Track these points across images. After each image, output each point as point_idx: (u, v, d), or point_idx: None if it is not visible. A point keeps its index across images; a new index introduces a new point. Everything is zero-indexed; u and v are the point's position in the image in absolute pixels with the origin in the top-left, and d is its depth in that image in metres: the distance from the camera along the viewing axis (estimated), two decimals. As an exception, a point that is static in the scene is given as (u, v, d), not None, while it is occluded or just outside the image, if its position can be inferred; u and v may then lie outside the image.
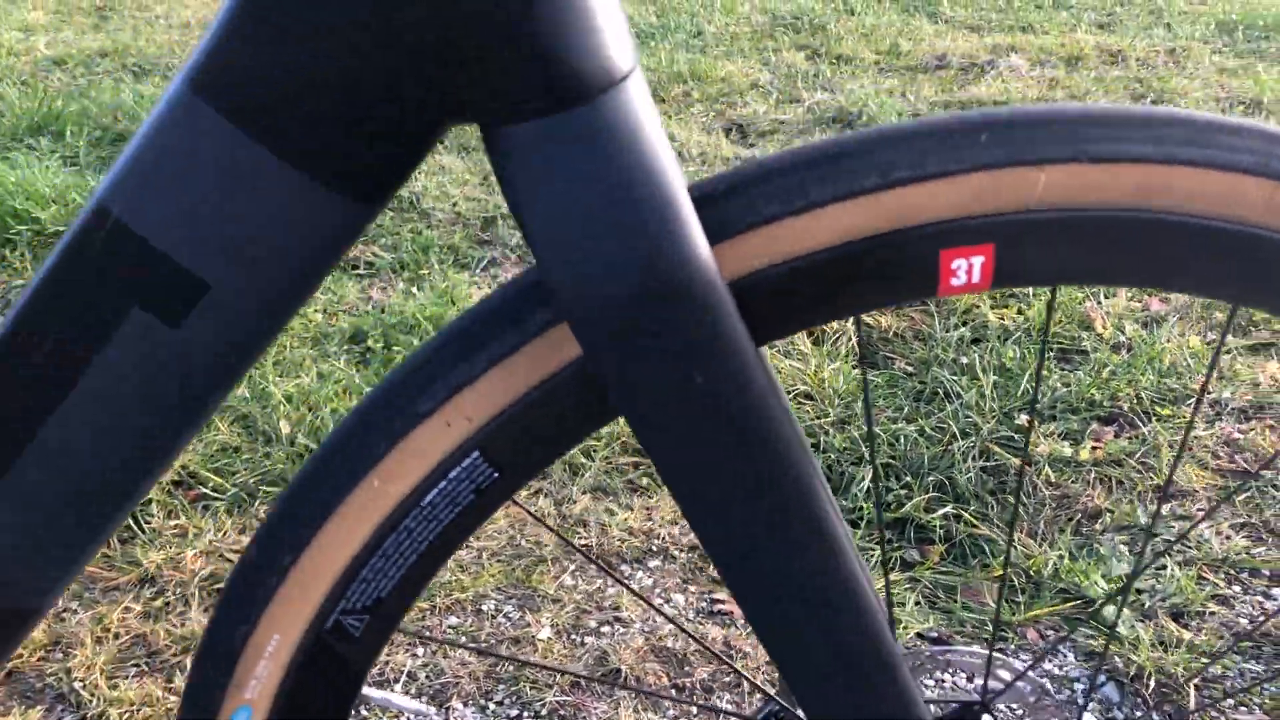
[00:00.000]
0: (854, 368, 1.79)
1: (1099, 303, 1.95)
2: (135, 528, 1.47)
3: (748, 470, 0.46)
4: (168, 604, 1.34)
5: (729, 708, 1.20)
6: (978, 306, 1.95)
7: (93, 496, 0.47)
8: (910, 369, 1.83)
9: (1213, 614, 1.28)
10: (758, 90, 3.14)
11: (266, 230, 0.44)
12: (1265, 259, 0.45)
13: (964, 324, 1.91)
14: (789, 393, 1.75)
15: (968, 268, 0.45)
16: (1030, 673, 1.20)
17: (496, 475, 0.49)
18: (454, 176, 2.59)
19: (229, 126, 0.42)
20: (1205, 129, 0.44)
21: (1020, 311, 1.94)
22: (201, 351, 0.46)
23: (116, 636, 1.29)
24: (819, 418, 1.69)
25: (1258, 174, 0.43)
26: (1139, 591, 1.31)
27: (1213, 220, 0.44)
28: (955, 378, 1.76)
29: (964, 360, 1.81)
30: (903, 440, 1.63)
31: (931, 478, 1.55)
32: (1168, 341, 1.84)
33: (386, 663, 1.27)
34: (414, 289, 2.11)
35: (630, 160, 0.43)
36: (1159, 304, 1.97)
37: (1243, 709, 1.15)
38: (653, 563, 1.43)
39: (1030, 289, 2.01)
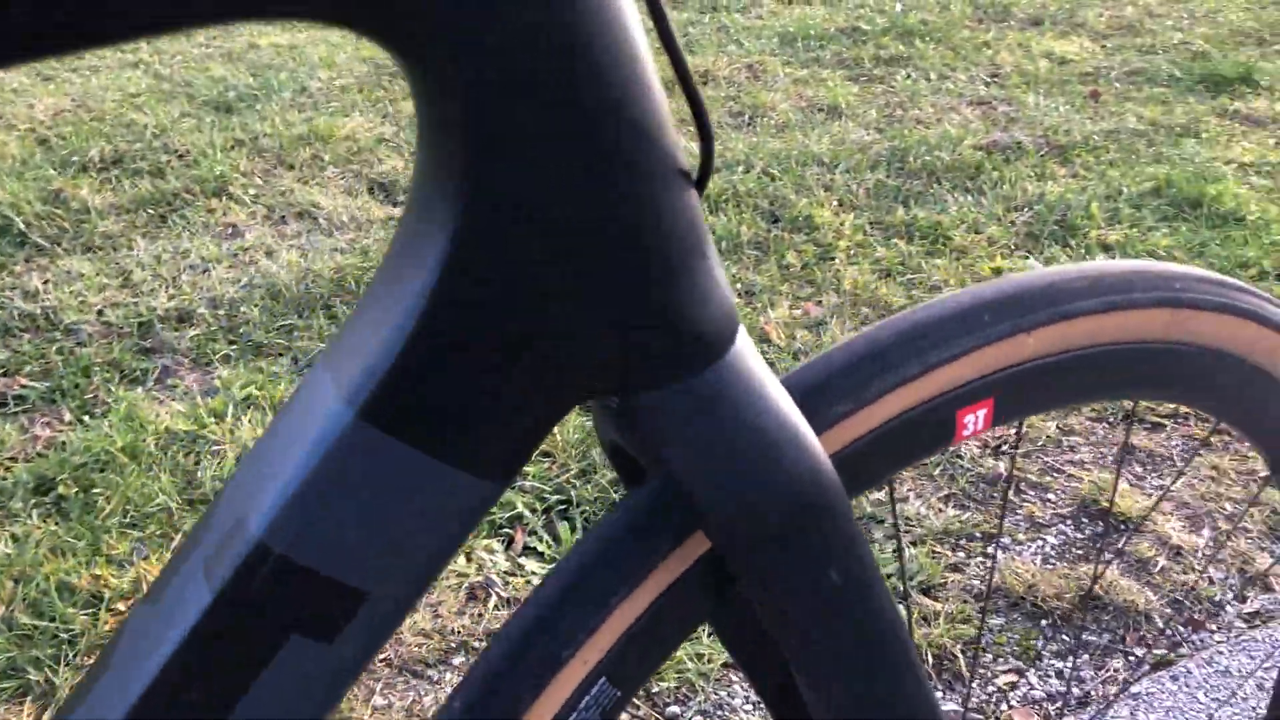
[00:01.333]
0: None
1: (770, 316, 2.16)
2: None
3: (863, 635, 0.52)
4: None
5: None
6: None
7: None
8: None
9: (953, 582, 1.49)
10: (387, 145, 3.12)
11: (423, 527, 0.43)
12: (1161, 363, 0.57)
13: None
14: (527, 454, 1.79)
15: (974, 419, 0.54)
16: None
17: (619, 694, 0.51)
18: (89, 282, 2.37)
19: (397, 444, 0.42)
20: (1122, 277, 0.56)
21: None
22: (352, 657, 0.44)
23: None
24: (562, 472, 1.75)
25: (1161, 306, 0.56)
26: (887, 576, 1.50)
27: (1130, 344, 0.56)
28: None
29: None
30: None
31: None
32: (830, 339, 2.07)
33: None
34: (84, 417, 1.92)
35: (758, 398, 0.47)
36: (815, 309, 2.21)
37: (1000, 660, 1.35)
38: None
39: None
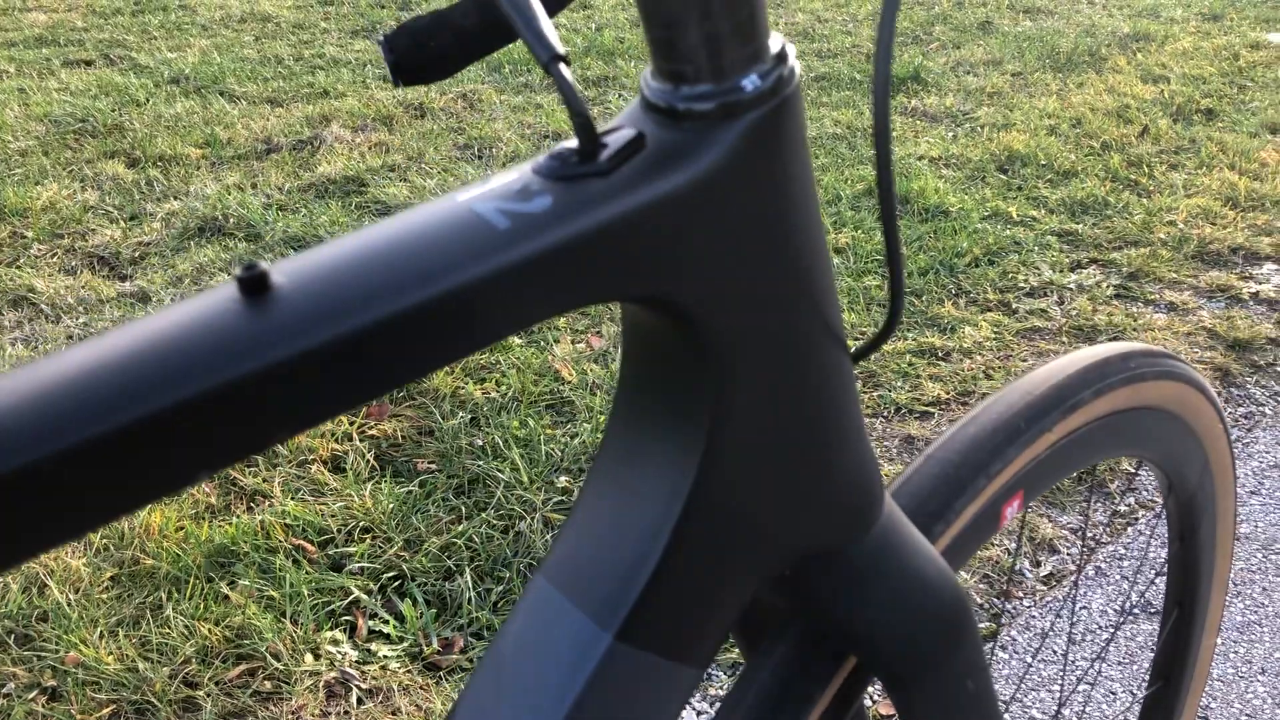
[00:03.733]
0: (419, 484, 1.84)
1: (555, 354, 2.20)
2: None
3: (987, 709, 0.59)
4: None
5: None
6: (463, 387, 2.09)
7: None
8: (434, 465, 1.92)
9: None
10: (96, 213, 2.89)
11: None
12: (1126, 426, 0.68)
13: (460, 407, 2.04)
14: (347, 532, 1.75)
15: (1011, 509, 0.62)
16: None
17: None
18: None
19: (648, 656, 0.43)
20: (1098, 366, 0.65)
21: (497, 384, 2.12)
22: None
23: None
24: (386, 546, 1.72)
25: (1128, 383, 0.66)
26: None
27: (1109, 416, 0.66)
28: (483, 463, 1.89)
29: (480, 442, 1.94)
30: (479, 540, 1.73)
31: (522, 563, 1.68)
32: (616, 368, 2.15)
33: None
34: None
35: (910, 534, 0.52)
36: (598, 340, 2.27)
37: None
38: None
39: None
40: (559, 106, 3.59)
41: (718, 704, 1.47)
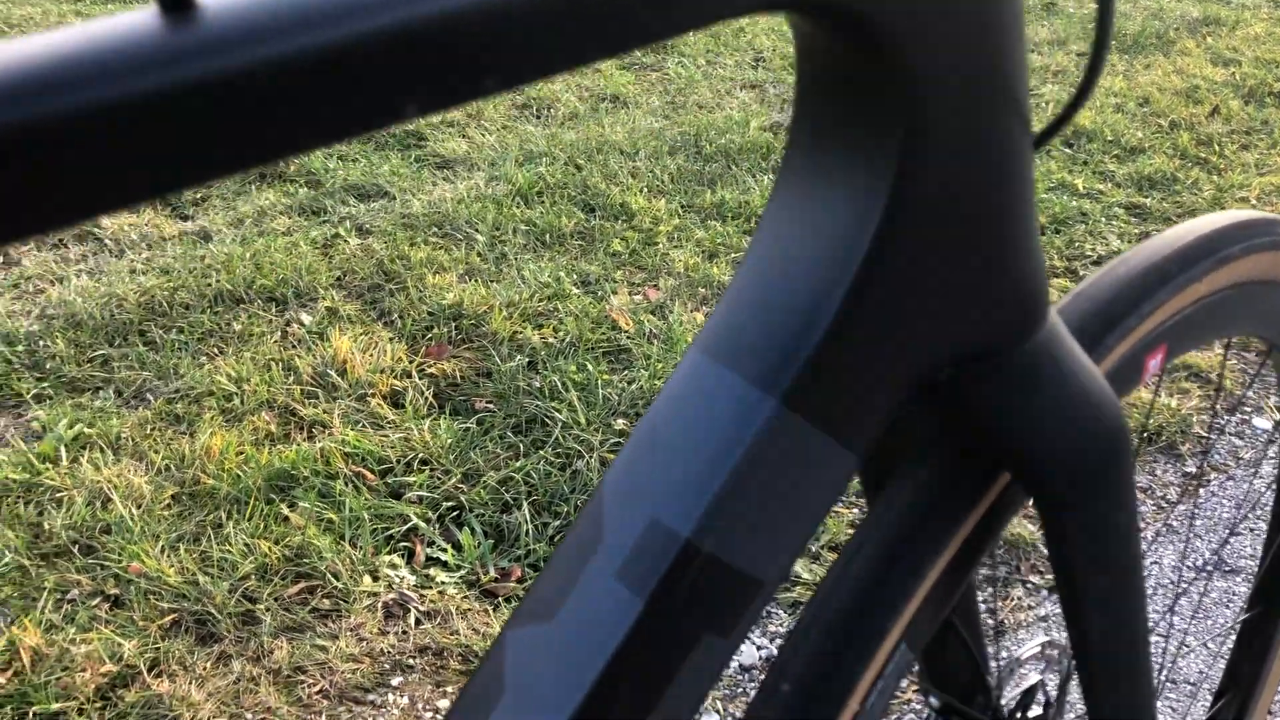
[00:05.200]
0: (476, 422, 1.84)
1: (613, 304, 2.19)
2: None
3: (1128, 571, 0.56)
4: None
5: None
6: (520, 332, 2.09)
7: None
8: (491, 405, 1.91)
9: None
10: (159, 156, 2.91)
11: (812, 509, 0.43)
12: (1267, 298, 0.66)
13: (518, 351, 2.04)
14: (405, 463, 1.75)
15: (1154, 362, 0.60)
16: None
17: (911, 656, 0.53)
18: None
19: (810, 428, 0.41)
20: (1251, 224, 0.63)
21: (554, 330, 2.11)
22: (733, 649, 0.44)
23: None
24: (445, 479, 1.72)
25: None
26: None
27: (1253, 282, 0.64)
28: (540, 403, 1.88)
29: (537, 384, 1.94)
30: (536, 476, 1.72)
31: (579, 499, 1.67)
32: (676, 322, 2.13)
33: None
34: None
35: (1073, 347, 0.50)
36: (654, 293, 2.26)
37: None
38: None
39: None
40: (617, 71, 3.58)
41: (778, 640, 1.46)
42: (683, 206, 2.61)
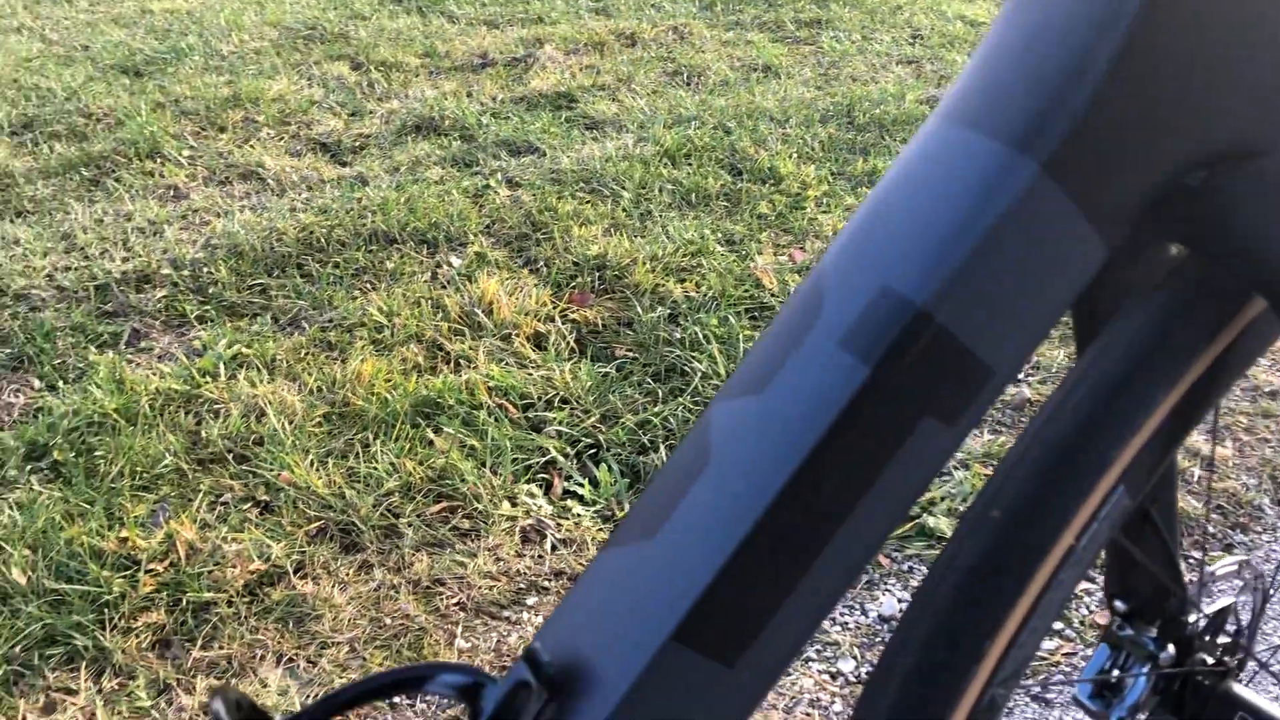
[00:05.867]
0: (616, 368, 1.85)
1: (757, 263, 2.17)
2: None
3: None
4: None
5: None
6: (663, 284, 2.08)
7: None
8: (631, 353, 1.91)
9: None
10: (320, 107, 3.01)
11: (1057, 306, 0.41)
12: None
13: (659, 303, 2.04)
14: (546, 401, 1.76)
15: None
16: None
17: (1127, 501, 0.50)
18: (30, 247, 2.21)
19: (1071, 206, 0.39)
20: None
21: (696, 284, 2.10)
22: (956, 446, 0.42)
23: None
24: (585, 418, 1.73)
25: None
26: (942, 499, 1.53)
27: None
28: (682, 353, 1.88)
29: (678, 336, 1.93)
30: (674, 421, 1.71)
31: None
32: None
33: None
34: (59, 383, 1.80)
35: None
36: (800, 254, 2.23)
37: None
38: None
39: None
40: (769, 44, 3.55)
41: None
42: (832, 174, 2.57)
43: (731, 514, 0.38)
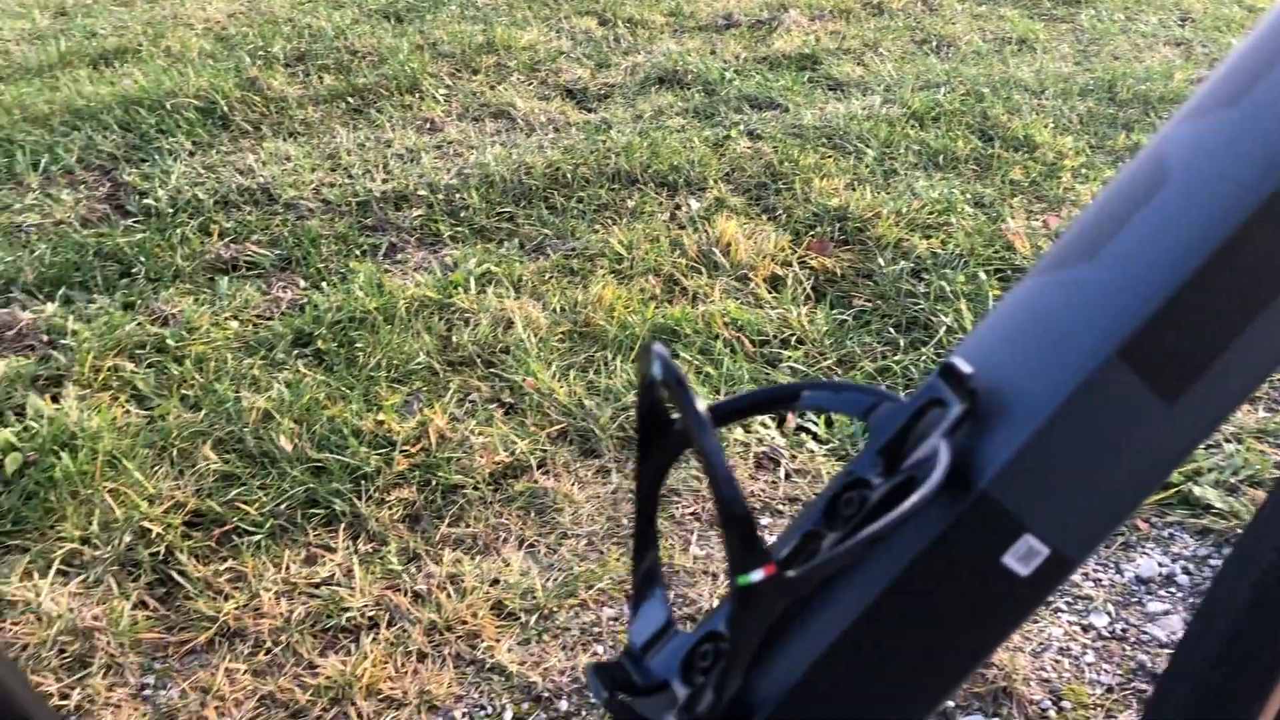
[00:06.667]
0: (854, 316, 1.82)
1: (1009, 225, 2.09)
2: (173, 581, 1.24)
3: None
4: (274, 656, 1.14)
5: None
6: (907, 239, 2.03)
7: None
8: (870, 303, 1.87)
9: None
10: (568, 58, 3.08)
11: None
12: None
13: (902, 256, 1.99)
14: (781, 340, 1.75)
15: None
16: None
17: None
18: (300, 163, 2.35)
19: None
20: None
21: (943, 241, 2.04)
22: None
23: (239, 704, 1.08)
24: (820, 360, 1.70)
25: None
26: (1210, 470, 1.43)
27: None
28: (926, 306, 1.82)
29: (921, 289, 1.88)
30: (915, 371, 1.67)
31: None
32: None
33: None
34: (322, 284, 1.90)
35: None
36: (1055, 220, 2.13)
37: None
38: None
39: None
40: (1023, 18, 3.41)
41: (1181, 560, 1.33)
42: (1091, 146, 2.44)
43: (1195, 232, 0.36)
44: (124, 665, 1.13)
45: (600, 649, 1.16)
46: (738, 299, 1.86)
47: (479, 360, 1.67)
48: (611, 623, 1.19)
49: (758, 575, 0.36)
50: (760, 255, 1.98)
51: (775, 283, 1.93)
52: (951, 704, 1.10)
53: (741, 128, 2.54)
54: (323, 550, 1.29)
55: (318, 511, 1.35)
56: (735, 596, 0.37)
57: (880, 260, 1.97)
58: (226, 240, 2.06)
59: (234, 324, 1.77)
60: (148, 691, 1.11)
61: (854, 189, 2.23)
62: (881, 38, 3.23)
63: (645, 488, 0.43)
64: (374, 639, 1.14)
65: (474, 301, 1.81)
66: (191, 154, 2.42)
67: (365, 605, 1.19)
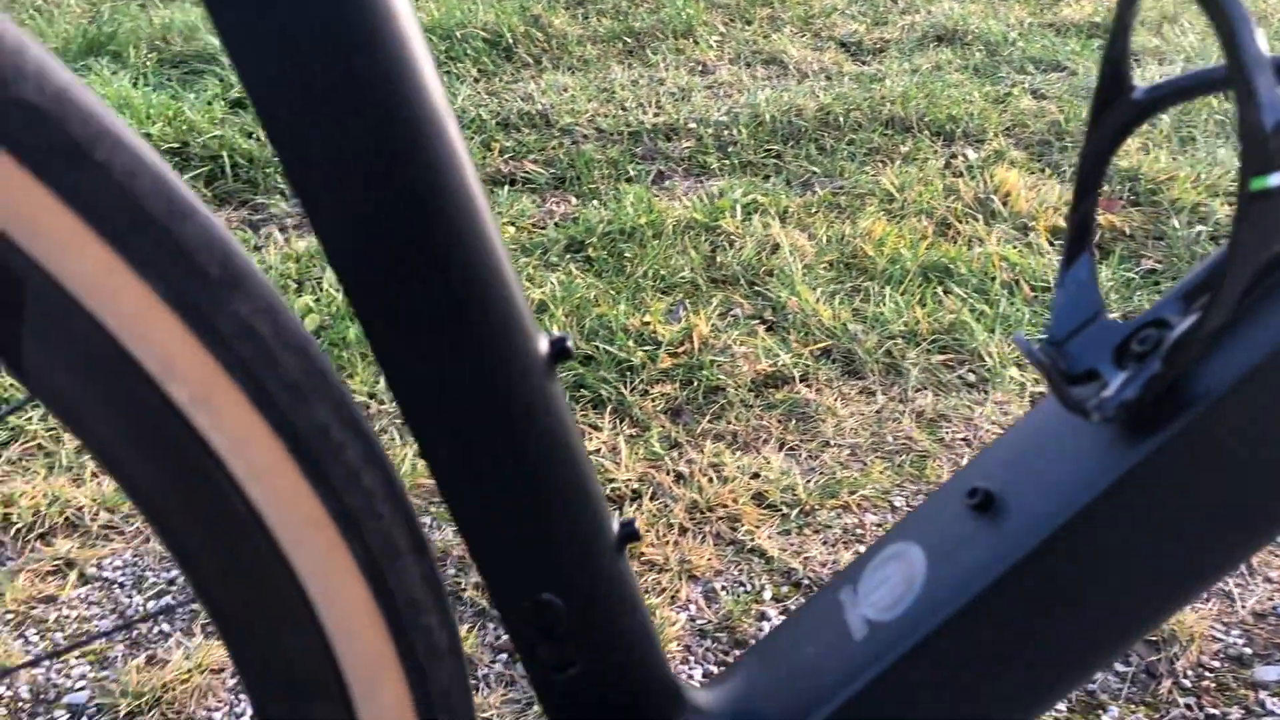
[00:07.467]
0: (1141, 275, 1.71)
1: None
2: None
3: None
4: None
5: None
6: (1207, 204, 1.89)
7: None
8: (1160, 264, 1.75)
9: None
10: (843, 14, 3.03)
11: None
12: None
13: (1200, 221, 1.85)
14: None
15: None
16: None
17: None
18: (576, 95, 2.41)
19: None
20: None
21: (1247, 207, 1.88)
22: None
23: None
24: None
25: None
26: None
27: None
28: (1225, 269, 1.69)
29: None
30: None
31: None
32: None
33: None
34: (592, 202, 1.94)
35: None
36: None
37: None
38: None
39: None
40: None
41: None
42: None
43: None
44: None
45: (863, 548, 1.13)
46: (1015, 247, 1.78)
47: (742, 280, 1.66)
48: (875, 528, 1.16)
49: (1276, 179, 0.32)
50: (1043, 206, 1.88)
51: (1056, 234, 1.83)
52: (1249, 650, 1.01)
53: (1025, 86, 2.43)
54: (589, 428, 1.32)
55: (585, 394, 1.37)
56: (1243, 202, 0.32)
57: (1175, 222, 1.84)
58: (505, 157, 2.14)
59: (510, 229, 1.83)
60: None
61: (1146, 153, 2.09)
62: (1183, 10, 3.01)
63: (1100, 140, 0.38)
64: (638, 508, 1.16)
65: (739, 226, 1.81)
66: (476, 80, 2.52)
67: (629, 479, 1.21)
